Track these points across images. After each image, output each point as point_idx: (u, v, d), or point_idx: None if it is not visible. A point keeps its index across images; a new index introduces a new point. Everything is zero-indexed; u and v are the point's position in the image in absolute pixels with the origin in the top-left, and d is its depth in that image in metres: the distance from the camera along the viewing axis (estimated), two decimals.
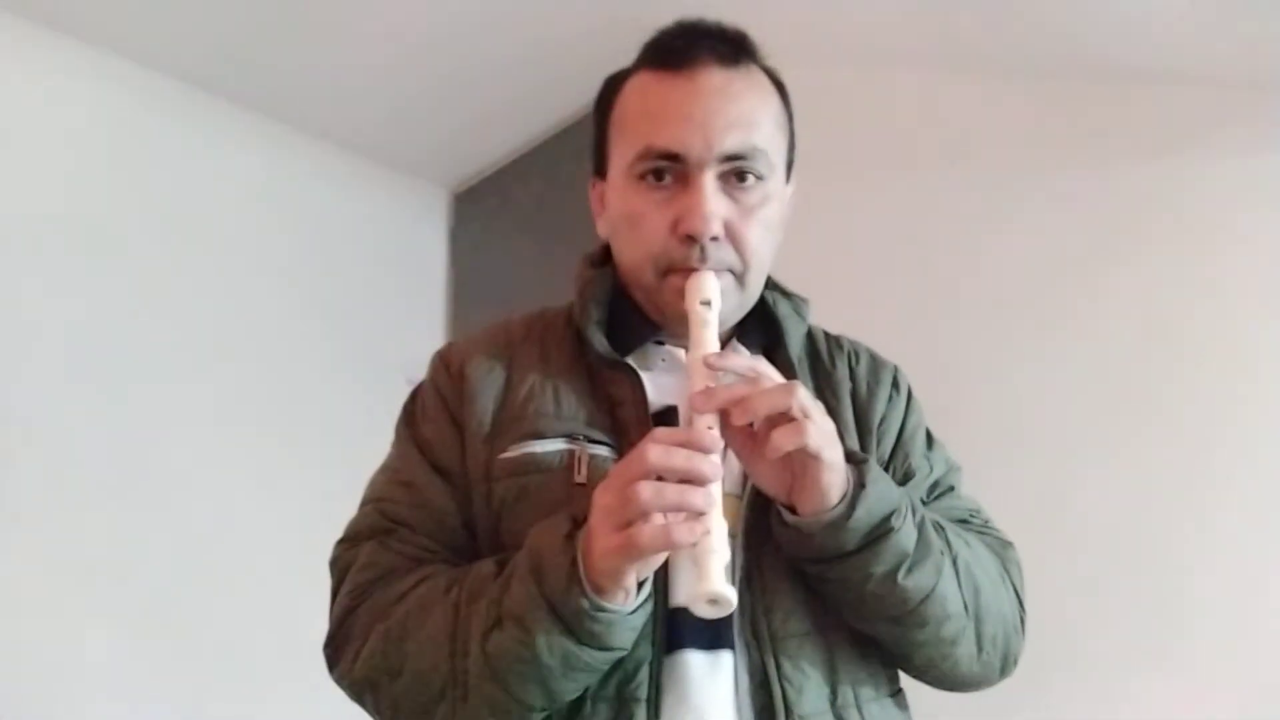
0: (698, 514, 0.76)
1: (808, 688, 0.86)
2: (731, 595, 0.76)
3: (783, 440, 0.79)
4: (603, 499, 0.78)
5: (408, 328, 2.89)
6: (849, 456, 0.86)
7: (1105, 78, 2.14)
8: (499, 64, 2.48)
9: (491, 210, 2.99)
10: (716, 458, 0.78)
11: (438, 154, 2.89)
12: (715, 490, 0.78)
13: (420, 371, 3.35)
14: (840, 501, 0.83)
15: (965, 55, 2.24)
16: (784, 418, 0.80)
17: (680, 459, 0.76)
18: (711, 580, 0.75)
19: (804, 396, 0.81)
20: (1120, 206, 2.12)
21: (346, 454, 2.58)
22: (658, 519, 0.75)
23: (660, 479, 0.76)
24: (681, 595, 0.84)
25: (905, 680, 0.98)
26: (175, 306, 2.34)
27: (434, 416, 0.97)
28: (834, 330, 1.09)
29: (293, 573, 2.39)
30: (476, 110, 2.69)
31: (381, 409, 2.72)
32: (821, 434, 0.81)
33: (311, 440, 2.56)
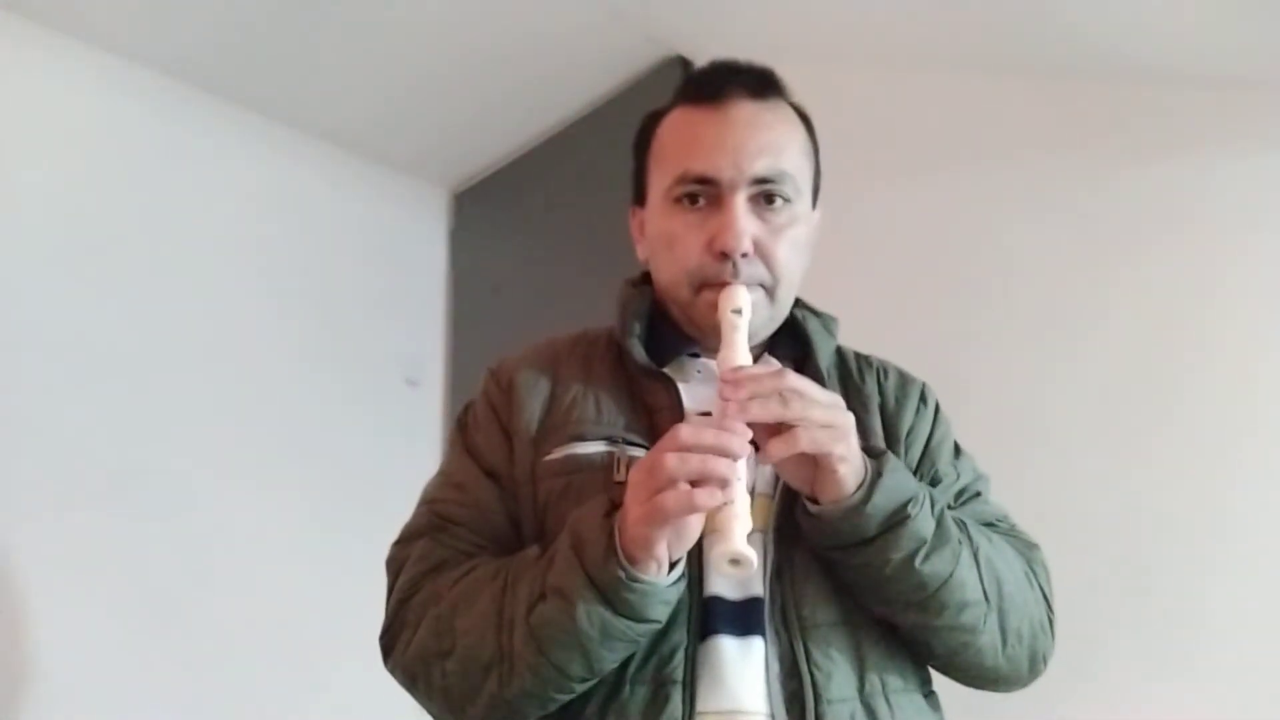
0: (722, 484, 0.82)
1: (836, 674, 0.90)
2: (751, 555, 0.81)
3: (777, 450, 0.86)
4: (635, 477, 0.85)
5: (408, 328, 2.89)
6: (869, 450, 0.92)
7: (1107, 78, 2.15)
8: (499, 64, 2.48)
9: (491, 210, 2.99)
10: (743, 439, 0.84)
11: (438, 154, 2.89)
12: (740, 467, 0.84)
13: (420, 371, 3.33)
14: (858, 489, 0.88)
15: (966, 55, 2.24)
16: (785, 425, 0.86)
17: (709, 435, 0.82)
18: (733, 539, 0.81)
19: (798, 407, 0.86)
20: (1123, 206, 2.13)
21: (346, 453, 2.61)
22: (684, 487, 0.81)
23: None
24: (711, 566, 0.90)
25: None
26: (174, 306, 2.34)
27: (484, 425, 1.05)
28: (840, 330, 1.13)
29: (293, 572, 2.41)
30: (477, 110, 2.69)
31: (381, 409, 2.74)
32: (825, 436, 0.86)
33: (311, 440, 2.56)
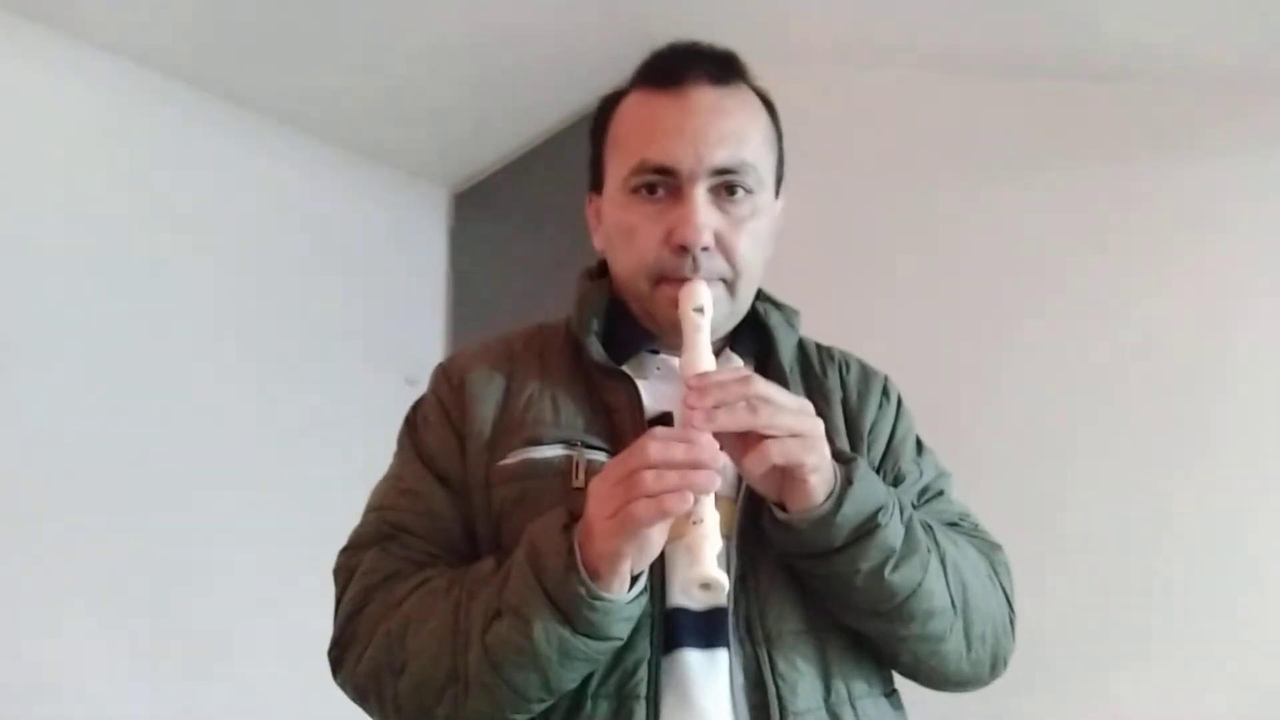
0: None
1: (801, 685, 0.88)
2: (723, 579, 0.78)
3: (753, 464, 0.83)
4: (600, 489, 0.81)
5: (408, 328, 2.90)
6: (838, 455, 0.88)
7: (1105, 78, 2.14)
8: (499, 64, 2.49)
9: (491, 210, 2.99)
10: (713, 452, 0.80)
11: (438, 154, 2.89)
12: (714, 478, 0.80)
13: (420, 371, 3.33)
14: (827, 499, 0.85)
15: (965, 55, 2.24)
16: (756, 435, 0.82)
17: (679, 452, 0.78)
18: (704, 564, 0.78)
19: (766, 415, 0.82)
20: (1119, 207, 2.12)
21: (347, 453, 2.60)
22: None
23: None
24: (676, 583, 0.87)
25: (900, 681, 0.99)
26: (175, 307, 2.34)
27: (436, 426, 1.00)
28: (830, 331, 1.11)
29: (292, 572, 2.40)
30: (477, 110, 2.69)
31: (381, 408, 2.74)
32: (795, 446, 0.83)
33: (312, 439, 2.56)
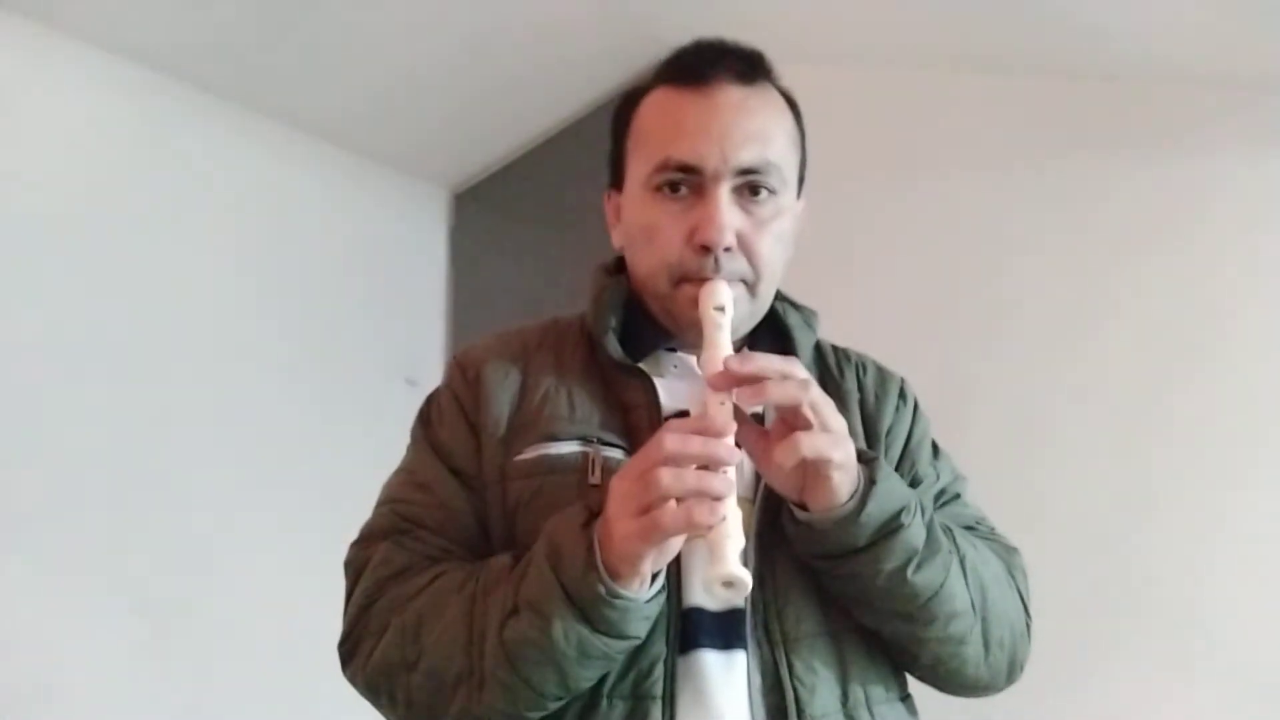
0: (715, 499, 0.77)
1: (819, 688, 0.87)
2: (746, 577, 0.77)
3: (783, 456, 0.81)
4: (620, 486, 0.80)
5: (408, 328, 2.90)
6: (859, 455, 0.87)
7: (1105, 77, 2.15)
8: (500, 63, 2.49)
9: (491, 210, 2.99)
10: (731, 441, 0.80)
11: (438, 154, 2.89)
12: (731, 475, 0.79)
13: (420, 372, 3.33)
14: (851, 498, 0.84)
15: (965, 55, 2.24)
16: (793, 416, 0.81)
17: (696, 445, 0.78)
18: (727, 562, 0.76)
19: (817, 395, 0.82)
20: (1121, 207, 2.13)
21: (347, 454, 2.60)
22: (676, 503, 0.77)
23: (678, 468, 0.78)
24: (697, 580, 0.86)
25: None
26: (175, 307, 2.34)
27: (450, 420, 0.99)
28: (836, 332, 1.11)
29: (293, 573, 2.40)
30: (477, 110, 2.69)
31: (382, 409, 2.75)
32: (825, 441, 0.81)
33: (312, 440, 2.56)
